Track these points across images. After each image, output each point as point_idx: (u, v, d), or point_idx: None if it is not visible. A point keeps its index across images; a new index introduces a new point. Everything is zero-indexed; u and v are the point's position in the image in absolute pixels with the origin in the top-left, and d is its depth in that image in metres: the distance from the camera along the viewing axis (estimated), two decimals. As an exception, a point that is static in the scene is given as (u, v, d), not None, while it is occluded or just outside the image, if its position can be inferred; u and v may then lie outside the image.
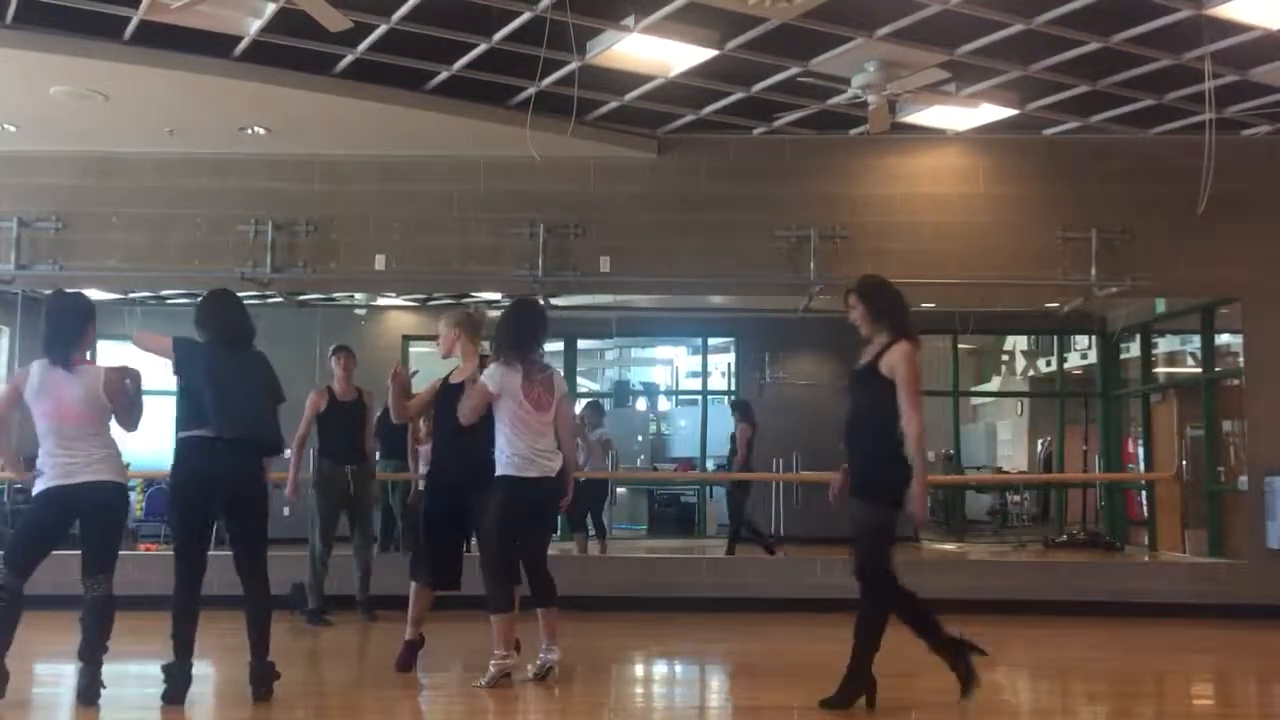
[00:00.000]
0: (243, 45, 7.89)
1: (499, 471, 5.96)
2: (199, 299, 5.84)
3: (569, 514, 10.52)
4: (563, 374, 6.31)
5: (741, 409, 11.85)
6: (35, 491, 5.40)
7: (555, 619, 6.10)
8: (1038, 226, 9.78)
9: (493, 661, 5.90)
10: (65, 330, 5.50)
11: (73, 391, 5.40)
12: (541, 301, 6.29)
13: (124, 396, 5.50)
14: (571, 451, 6.32)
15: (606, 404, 14.49)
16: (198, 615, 5.45)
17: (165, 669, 5.35)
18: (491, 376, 5.95)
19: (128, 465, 5.74)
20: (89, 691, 5.26)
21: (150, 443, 6.63)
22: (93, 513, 5.40)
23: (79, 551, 5.43)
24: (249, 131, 9.33)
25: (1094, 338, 13.40)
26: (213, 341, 5.59)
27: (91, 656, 5.30)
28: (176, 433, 5.53)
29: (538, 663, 6.08)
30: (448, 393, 6.35)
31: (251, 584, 5.54)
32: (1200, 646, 8.20)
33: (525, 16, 7.39)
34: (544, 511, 6.01)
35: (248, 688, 5.46)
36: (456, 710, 5.74)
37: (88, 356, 5.60)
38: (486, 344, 6.44)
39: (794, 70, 8.31)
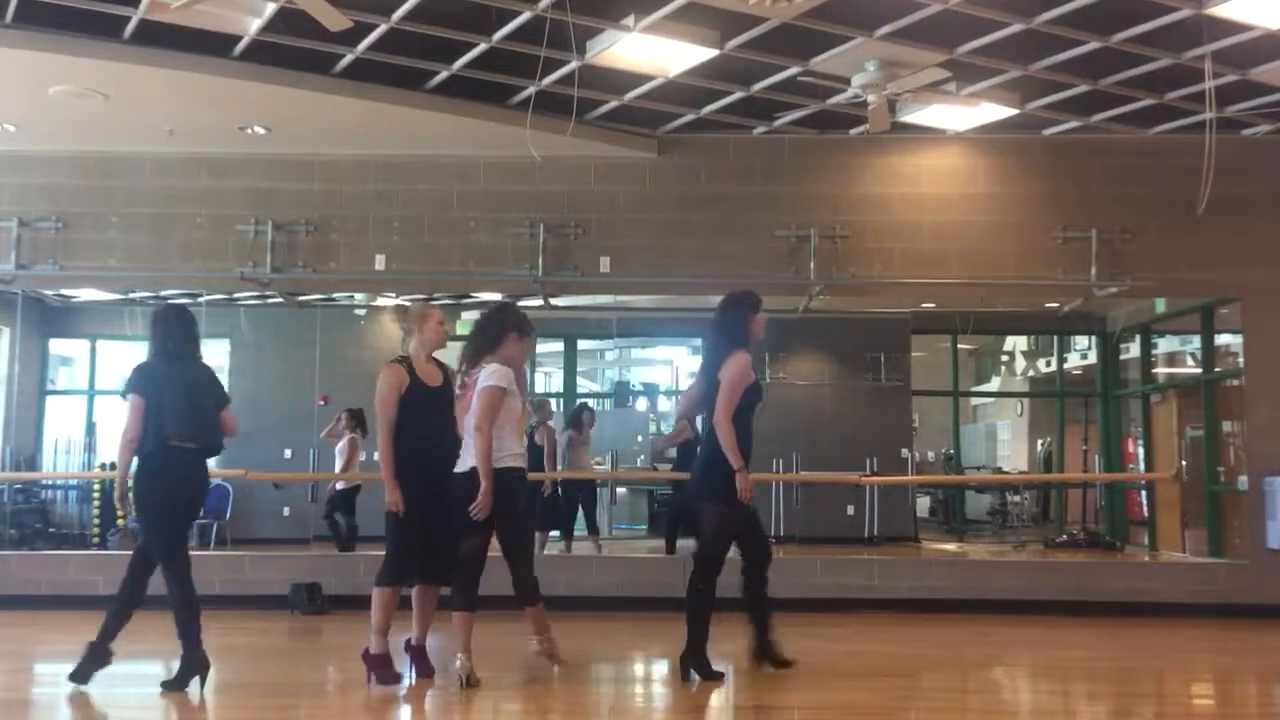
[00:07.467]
0: (243, 45, 7.89)
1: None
2: (153, 314, 6.00)
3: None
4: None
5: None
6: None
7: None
8: (1038, 226, 9.78)
9: (461, 666, 5.81)
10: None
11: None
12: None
13: None
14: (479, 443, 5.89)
15: (606, 404, 14.49)
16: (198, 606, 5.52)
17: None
18: (506, 376, 5.86)
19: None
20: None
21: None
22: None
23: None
24: (249, 131, 9.33)
25: (1094, 338, 13.40)
26: (164, 359, 5.80)
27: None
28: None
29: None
30: (416, 392, 6.07)
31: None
32: (1200, 646, 8.20)
33: (525, 16, 7.40)
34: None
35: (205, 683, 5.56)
36: (455, 710, 5.73)
37: None
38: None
39: (794, 70, 8.31)
